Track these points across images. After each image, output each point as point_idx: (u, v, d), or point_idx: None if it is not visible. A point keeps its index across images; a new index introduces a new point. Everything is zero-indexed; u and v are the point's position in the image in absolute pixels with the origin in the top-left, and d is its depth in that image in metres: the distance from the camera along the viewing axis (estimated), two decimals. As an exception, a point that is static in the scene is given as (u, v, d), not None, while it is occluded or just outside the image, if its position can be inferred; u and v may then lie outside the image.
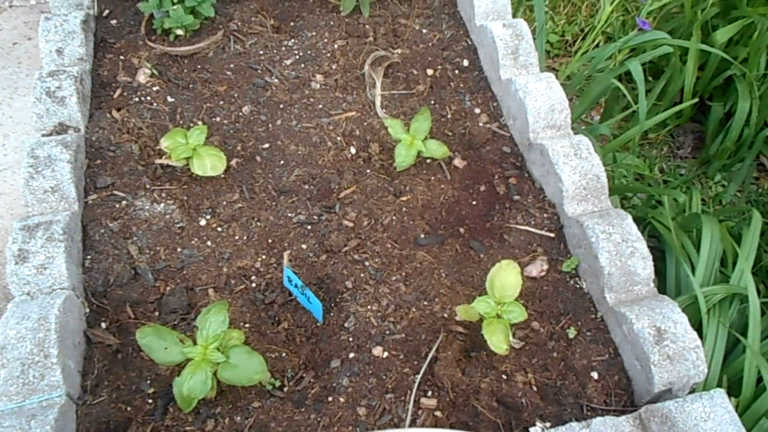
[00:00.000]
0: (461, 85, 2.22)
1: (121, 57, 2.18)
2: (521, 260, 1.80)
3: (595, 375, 1.61)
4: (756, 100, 2.77)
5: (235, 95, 2.16)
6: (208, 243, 1.82)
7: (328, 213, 1.90)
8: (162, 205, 1.86)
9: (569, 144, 1.86)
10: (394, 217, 1.89)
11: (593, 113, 3.38)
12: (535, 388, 1.59)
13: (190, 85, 2.17)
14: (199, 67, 2.22)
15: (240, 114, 2.12)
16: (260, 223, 1.87)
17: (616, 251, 1.66)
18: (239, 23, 2.33)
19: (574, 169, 1.82)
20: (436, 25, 2.40)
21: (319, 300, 1.63)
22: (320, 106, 2.15)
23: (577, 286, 1.77)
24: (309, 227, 1.87)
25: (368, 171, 2.00)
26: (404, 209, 1.91)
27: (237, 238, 1.84)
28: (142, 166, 1.92)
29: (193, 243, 1.81)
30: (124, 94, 2.09)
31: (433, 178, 1.99)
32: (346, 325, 1.68)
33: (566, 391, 1.58)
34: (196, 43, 2.23)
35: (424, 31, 2.37)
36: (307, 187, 1.96)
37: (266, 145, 2.05)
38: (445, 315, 1.72)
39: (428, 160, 2.03)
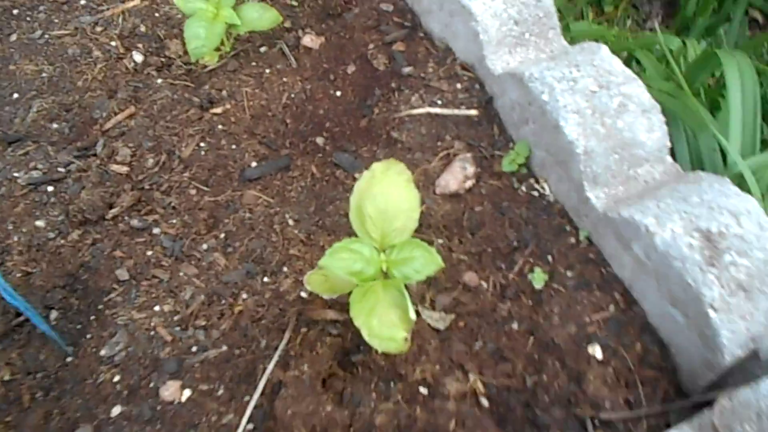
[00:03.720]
0: (306, -66, 1.40)
1: None
2: (427, 167, 0.99)
3: (596, 351, 0.81)
4: None
5: (-57, 11, 1.31)
6: None
7: (84, 158, 1.07)
8: None
9: (477, -43, 1.05)
10: (201, 143, 1.08)
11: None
12: (486, 404, 0.79)
13: None
14: None
15: (-51, 37, 1.27)
16: (-33, 200, 1.04)
17: (592, 107, 0.87)
18: None
19: (491, -8, 1.01)
20: None
21: (46, 322, 0.81)
22: (83, 3, 1.32)
23: (535, 192, 0.97)
24: (49, 189, 1.04)
25: (159, 81, 1.17)
26: (219, 127, 1.10)
27: None
28: None
29: None
30: None
31: (268, 71, 1.18)
32: (104, 353, 0.86)
33: (548, 398, 0.79)
34: None
35: None
36: (54, 125, 1.13)
37: (-9, 76, 1.21)
38: (303, 294, 0.91)
39: (260, 46, 1.21)
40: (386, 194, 0.78)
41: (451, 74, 1.08)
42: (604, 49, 0.93)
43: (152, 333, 0.89)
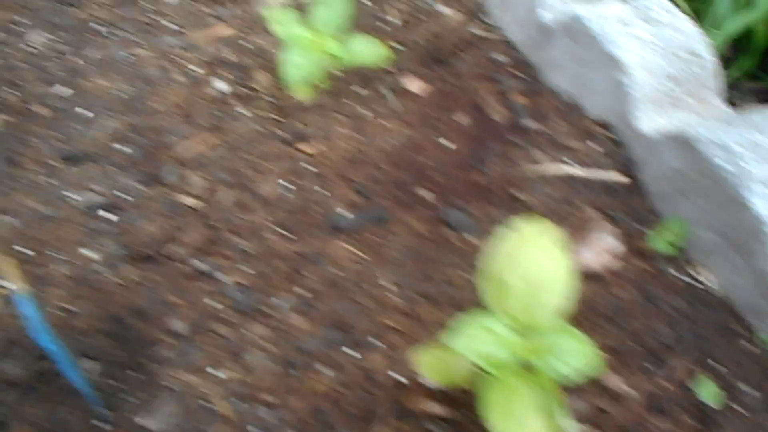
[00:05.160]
0: (413, -23, 1.30)
1: None
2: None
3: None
4: None
5: (25, 21, 1.24)
6: None
7: (150, 185, 0.93)
8: None
9: (627, 7, 0.92)
10: (284, 182, 0.93)
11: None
12: None
13: (-51, 16, 1.26)
14: (-31, -12, 1.31)
15: (26, 47, 1.19)
16: (13, 220, 0.91)
17: (789, 182, 0.69)
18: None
19: (646, 43, 0.87)
20: None
21: (82, 375, 0.65)
22: (170, 25, 1.22)
23: (693, 281, 0.78)
24: (107, 215, 0.90)
25: (244, 112, 1.05)
26: (306, 166, 0.95)
27: (-46, 249, 0.87)
28: None
29: None
30: None
31: (366, 112, 1.04)
32: (146, 422, 0.68)
33: None
34: (-35, -49, 1.33)
35: None
36: (123, 147, 1.01)
37: (63, 90, 1.11)
38: (395, 374, 0.73)
39: (357, 88, 1.09)
40: (536, 263, 0.61)
41: (583, 131, 0.93)
42: (794, 115, 0.76)
43: (205, 404, 0.71)
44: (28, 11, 1.26)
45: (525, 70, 1.08)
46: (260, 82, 1.12)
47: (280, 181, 0.93)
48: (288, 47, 0.99)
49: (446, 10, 1.22)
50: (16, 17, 1.24)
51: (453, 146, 0.97)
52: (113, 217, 0.90)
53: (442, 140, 0.98)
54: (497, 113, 0.99)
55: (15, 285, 0.77)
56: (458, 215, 0.86)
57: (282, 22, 1.03)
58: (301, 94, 1.05)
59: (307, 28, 1.02)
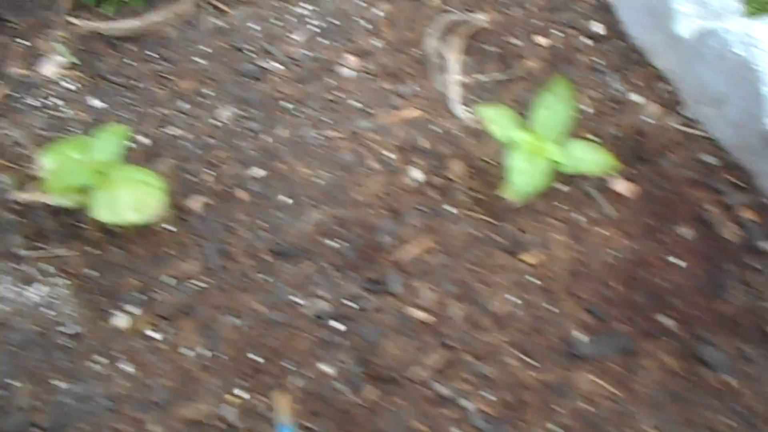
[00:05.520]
0: (598, 60, 1.27)
1: (19, 40, 1.30)
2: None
3: None
4: None
5: (210, 93, 1.25)
6: (124, 366, 0.86)
7: (377, 294, 0.92)
8: (43, 289, 0.92)
9: None
10: (514, 297, 0.91)
11: None
12: None
13: (136, 82, 1.28)
14: (152, 54, 1.33)
15: (215, 122, 1.20)
16: (238, 321, 0.91)
17: None
18: (221, -12, 1.45)
19: None
20: (539, -23, 1.47)
21: None
22: (355, 104, 1.21)
23: None
24: (338, 326, 0.89)
25: (450, 209, 1.03)
26: (532, 279, 0.93)
27: (186, 354, 0.88)
28: (16, 213, 1.00)
29: (95, 359, 0.85)
30: (14, 94, 1.19)
31: (580, 217, 1.01)
32: None
33: None
34: (147, 16, 1.35)
35: (521, -14, 1.45)
36: (333, 243, 1.00)
37: (258, 172, 1.12)
38: None
39: (560, 185, 1.06)
40: None
41: (834, 264, 0.88)
42: None
43: None
44: (212, 82, 1.26)
45: (740, 176, 1.04)
46: (455, 172, 1.10)
47: (508, 295, 0.91)
48: (512, 151, 0.97)
49: (640, 100, 1.18)
50: (202, 89, 1.26)
51: (684, 265, 0.93)
52: (345, 329, 0.89)
53: (669, 256, 0.94)
54: (726, 229, 0.96)
55: (279, 413, 0.77)
56: (712, 352, 0.82)
57: (498, 123, 1.01)
58: (521, 196, 1.02)
59: (525, 130, 0.99)
